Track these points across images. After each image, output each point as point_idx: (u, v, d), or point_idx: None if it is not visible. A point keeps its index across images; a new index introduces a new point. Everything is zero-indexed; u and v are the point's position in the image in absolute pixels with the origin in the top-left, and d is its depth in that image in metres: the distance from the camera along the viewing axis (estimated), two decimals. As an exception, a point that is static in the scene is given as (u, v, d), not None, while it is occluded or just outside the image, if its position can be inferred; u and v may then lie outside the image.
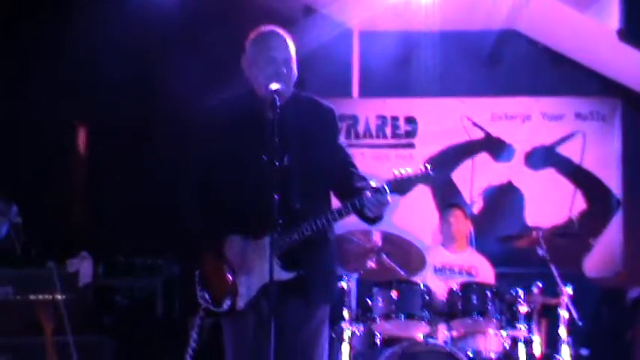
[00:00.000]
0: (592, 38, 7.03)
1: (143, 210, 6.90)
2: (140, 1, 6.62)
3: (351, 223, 3.90)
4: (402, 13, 6.98)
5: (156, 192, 6.15)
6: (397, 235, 5.63)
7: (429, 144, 7.56)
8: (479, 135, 7.58)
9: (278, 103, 3.51)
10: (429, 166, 3.50)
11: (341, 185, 3.67)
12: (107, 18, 6.71)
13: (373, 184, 3.50)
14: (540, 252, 5.89)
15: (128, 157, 7.21)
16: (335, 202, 3.69)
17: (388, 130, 7.62)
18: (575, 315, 5.67)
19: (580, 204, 7.43)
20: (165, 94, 7.11)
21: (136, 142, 7.19)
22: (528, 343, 5.63)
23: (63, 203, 7.36)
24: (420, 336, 5.47)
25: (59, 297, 5.88)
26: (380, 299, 5.40)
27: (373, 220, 3.63)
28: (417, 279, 5.60)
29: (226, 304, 3.61)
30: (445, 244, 6.45)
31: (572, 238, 6.59)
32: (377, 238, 5.43)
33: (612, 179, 7.42)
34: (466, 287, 5.53)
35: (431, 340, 5.46)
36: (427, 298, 5.40)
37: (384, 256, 5.51)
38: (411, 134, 7.60)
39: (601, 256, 7.32)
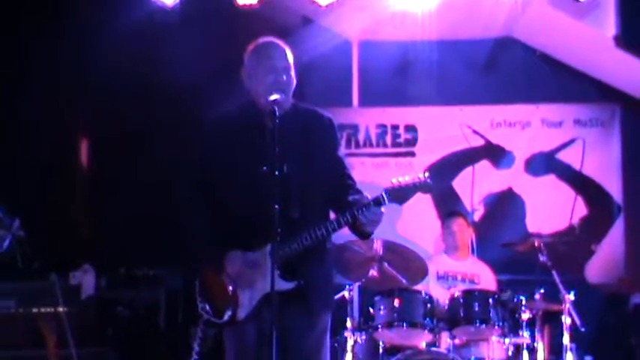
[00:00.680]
0: (589, 45, 7.06)
1: (145, 221, 6.91)
2: (141, 12, 6.65)
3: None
4: (401, 23, 7.01)
5: (158, 203, 6.16)
6: (398, 243, 5.64)
7: (429, 152, 7.57)
8: (479, 142, 7.59)
9: (277, 113, 3.53)
10: (426, 174, 3.52)
11: (336, 197, 3.68)
12: (108, 29, 6.74)
13: (369, 196, 3.53)
14: (542, 258, 5.89)
15: (130, 169, 7.22)
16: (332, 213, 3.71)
17: (388, 139, 7.63)
18: (577, 321, 5.68)
19: (581, 210, 7.43)
20: (167, 106, 7.14)
21: (138, 154, 7.21)
22: (531, 350, 5.64)
23: (65, 216, 7.37)
24: (422, 344, 5.48)
25: (62, 309, 5.87)
26: (382, 308, 5.42)
27: (366, 234, 3.65)
28: (419, 287, 5.61)
29: (227, 315, 3.62)
30: (447, 251, 6.46)
31: (573, 244, 6.59)
32: (378, 246, 5.44)
33: (613, 185, 7.42)
34: (468, 294, 5.54)
35: (434, 349, 5.46)
36: (429, 306, 5.41)
37: (386, 265, 5.52)
38: (411, 143, 7.61)
39: (603, 261, 7.32)
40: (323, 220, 3.62)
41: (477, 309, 5.43)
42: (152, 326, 6.90)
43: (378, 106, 7.71)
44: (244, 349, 3.66)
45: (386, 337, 5.47)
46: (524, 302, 5.62)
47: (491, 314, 5.43)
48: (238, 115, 3.77)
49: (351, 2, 6.67)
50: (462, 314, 5.44)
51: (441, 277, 6.28)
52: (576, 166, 7.49)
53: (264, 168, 3.52)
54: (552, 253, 5.90)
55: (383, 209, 3.52)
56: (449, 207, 7.21)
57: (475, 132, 7.59)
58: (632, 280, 7.17)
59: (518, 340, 5.58)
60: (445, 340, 5.53)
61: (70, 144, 7.65)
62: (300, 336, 3.61)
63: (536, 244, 5.97)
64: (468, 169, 7.58)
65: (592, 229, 7.35)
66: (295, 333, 3.59)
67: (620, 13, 6.60)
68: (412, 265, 5.58)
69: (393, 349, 5.50)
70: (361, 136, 7.63)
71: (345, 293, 5.59)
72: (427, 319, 5.36)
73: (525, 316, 5.61)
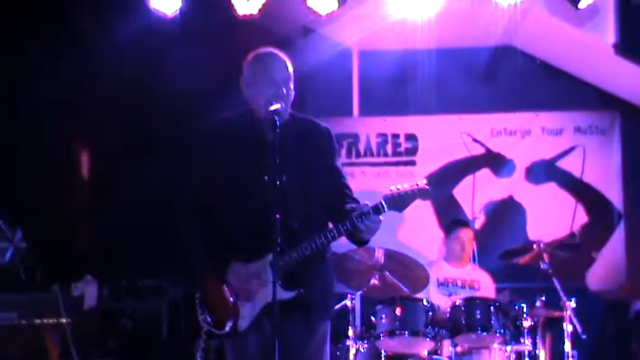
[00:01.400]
0: (589, 53, 7.08)
1: (147, 232, 6.92)
2: (140, 22, 6.66)
3: (352, 241, 3.92)
4: (401, 32, 7.03)
5: (159, 214, 6.17)
6: (400, 252, 5.65)
7: (429, 161, 7.58)
8: (479, 151, 7.60)
9: (278, 123, 3.55)
10: (424, 181, 3.54)
11: (334, 206, 3.69)
12: (108, 40, 6.76)
13: (368, 203, 3.54)
14: (543, 266, 5.89)
15: (131, 180, 7.23)
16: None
17: (389, 148, 7.65)
18: (579, 328, 5.68)
19: (582, 217, 7.44)
20: (166, 114, 7.16)
21: (138, 164, 7.22)
22: (533, 357, 5.65)
23: (67, 227, 7.38)
24: (424, 352, 5.47)
25: (64, 321, 5.87)
26: (384, 316, 5.41)
27: (363, 242, 3.67)
28: (421, 295, 5.62)
29: (228, 326, 3.63)
30: (448, 258, 6.47)
31: (574, 252, 6.58)
32: (380, 255, 5.45)
33: (613, 192, 7.42)
34: (469, 302, 5.54)
35: (435, 357, 5.47)
36: (431, 314, 5.41)
37: (387, 273, 5.53)
38: (411, 152, 7.63)
39: (604, 269, 7.32)
40: (322, 229, 3.63)
41: (478, 316, 5.43)
42: (154, 337, 6.90)
43: (379, 115, 7.72)
44: (246, 359, 3.67)
45: (388, 345, 5.46)
46: (525, 310, 5.63)
47: (492, 322, 5.42)
48: (237, 123, 3.77)
49: (351, 12, 6.69)
50: (463, 322, 5.44)
51: (442, 284, 6.29)
52: (577, 173, 7.50)
53: (266, 178, 3.54)
54: (553, 260, 5.90)
55: (381, 217, 3.54)
56: (450, 215, 7.22)
57: (475, 140, 7.60)
58: (633, 287, 7.17)
59: (520, 348, 5.59)
60: (447, 348, 5.53)
61: (70, 155, 7.67)
62: (300, 344, 3.62)
63: (537, 251, 5.96)
64: (469, 178, 7.58)
65: (593, 236, 7.36)
66: (295, 341, 3.60)
67: (619, 20, 6.62)
68: (413, 273, 5.59)
69: (395, 358, 5.50)
70: (362, 146, 7.65)
71: (347, 302, 5.60)
72: (429, 327, 5.36)
73: (527, 323, 5.61)
